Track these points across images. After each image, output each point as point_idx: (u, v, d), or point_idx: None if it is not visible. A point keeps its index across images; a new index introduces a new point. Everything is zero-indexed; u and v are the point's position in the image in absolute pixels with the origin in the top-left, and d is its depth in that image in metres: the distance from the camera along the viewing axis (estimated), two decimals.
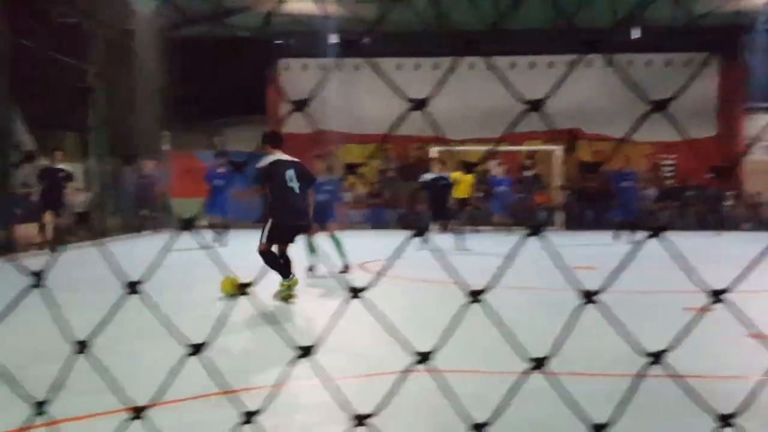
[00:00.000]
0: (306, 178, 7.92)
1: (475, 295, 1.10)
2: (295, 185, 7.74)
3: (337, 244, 10.19)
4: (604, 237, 17.52)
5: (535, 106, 1.07)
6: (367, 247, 13.50)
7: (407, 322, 6.47)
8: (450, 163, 15.86)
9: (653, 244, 1.11)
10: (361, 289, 1.15)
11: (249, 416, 1.12)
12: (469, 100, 19.84)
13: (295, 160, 8.00)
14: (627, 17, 19.47)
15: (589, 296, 1.09)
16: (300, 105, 1.10)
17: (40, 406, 1.17)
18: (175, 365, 1.18)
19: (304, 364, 4.39)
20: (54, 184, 12.73)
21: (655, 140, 20.53)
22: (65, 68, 15.43)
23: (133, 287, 1.06)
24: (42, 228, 13.12)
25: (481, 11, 20.47)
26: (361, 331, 5.42)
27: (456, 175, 14.78)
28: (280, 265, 7.71)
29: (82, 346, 1.06)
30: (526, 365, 1.12)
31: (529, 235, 1.08)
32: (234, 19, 20.21)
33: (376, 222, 21.04)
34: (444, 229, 14.75)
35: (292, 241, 7.97)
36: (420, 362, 1.11)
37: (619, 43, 19.12)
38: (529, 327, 5.57)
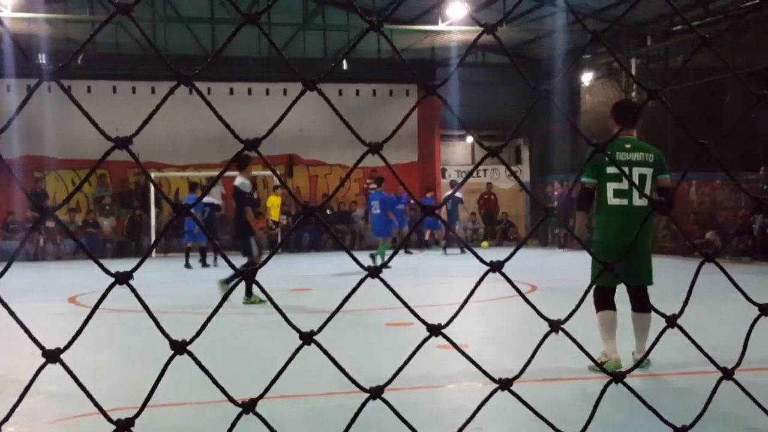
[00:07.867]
0: None
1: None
2: None
3: None
4: (323, 258, 18.41)
5: None
6: (81, 279, 12.83)
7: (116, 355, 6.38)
8: (166, 189, 15.63)
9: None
10: None
11: None
12: (193, 125, 19.67)
13: None
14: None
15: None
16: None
17: None
18: None
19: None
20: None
21: (365, 165, 22.17)
22: None
23: None
24: None
25: (200, 38, 20.51)
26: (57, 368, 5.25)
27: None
28: None
29: None
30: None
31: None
32: None
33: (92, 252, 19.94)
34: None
35: None
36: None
37: (332, 73, 20.18)
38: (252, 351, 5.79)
